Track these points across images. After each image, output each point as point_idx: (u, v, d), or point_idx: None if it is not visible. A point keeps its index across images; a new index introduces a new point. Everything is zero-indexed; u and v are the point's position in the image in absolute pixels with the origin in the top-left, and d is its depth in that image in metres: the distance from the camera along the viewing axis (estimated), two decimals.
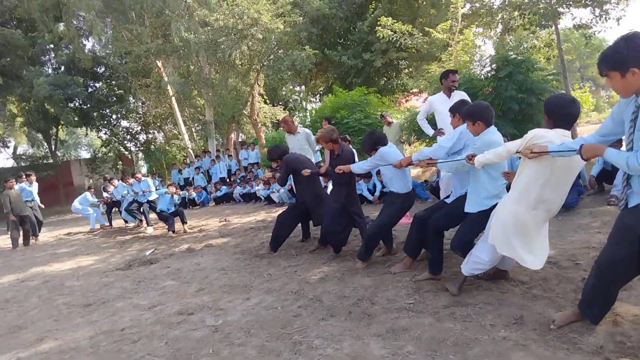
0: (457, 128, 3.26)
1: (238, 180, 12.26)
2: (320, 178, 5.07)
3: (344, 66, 15.04)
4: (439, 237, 3.21)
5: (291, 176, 5.01)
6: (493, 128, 2.96)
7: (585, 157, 2.10)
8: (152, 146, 22.28)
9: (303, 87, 18.01)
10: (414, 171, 9.15)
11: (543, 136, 2.36)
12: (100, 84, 19.68)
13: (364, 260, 3.89)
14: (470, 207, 3.01)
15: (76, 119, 17.97)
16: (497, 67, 7.93)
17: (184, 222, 7.78)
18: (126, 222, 9.56)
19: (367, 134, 3.93)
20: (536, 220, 2.51)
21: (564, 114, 2.40)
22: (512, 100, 7.32)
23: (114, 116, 20.83)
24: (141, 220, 8.70)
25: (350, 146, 10.06)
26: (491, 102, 7.52)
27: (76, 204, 10.20)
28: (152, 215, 8.58)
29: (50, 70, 18.37)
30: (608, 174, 5.03)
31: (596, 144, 2.09)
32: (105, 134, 21.20)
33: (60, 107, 15.90)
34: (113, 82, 19.40)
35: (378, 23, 12.32)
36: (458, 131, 3.22)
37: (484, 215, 2.88)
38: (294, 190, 5.42)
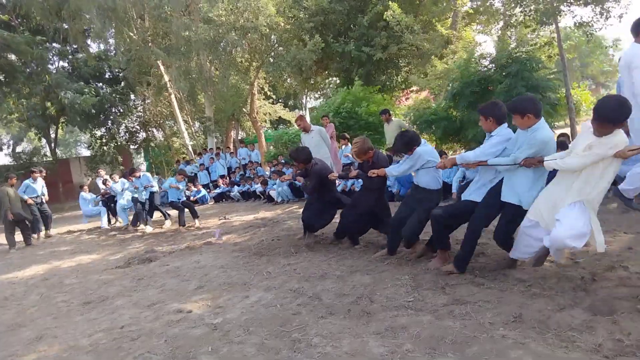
0: (498, 135, 3.19)
1: (237, 179, 12.25)
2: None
3: (344, 61, 15.07)
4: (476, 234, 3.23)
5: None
6: (543, 121, 2.95)
7: None
8: (152, 144, 22.24)
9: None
10: None
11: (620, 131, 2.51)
12: (106, 86, 19.60)
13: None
14: (512, 198, 3.05)
15: (80, 120, 17.89)
16: (503, 64, 8.03)
17: (195, 216, 7.89)
18: (115, 220, 9.57)
19: (399, 135, 3.81)
20: None
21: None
22: None
23: (112, 116, 20.76)
24: (145, 220, 8.68)
25: (349, 144, 10.11)
26: (503, 100, 7.70)
27: (83, 208, 10.00)
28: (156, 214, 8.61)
29: (52, 68, 18.30)
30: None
31: None
32: (103, 132, 21.12)
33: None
34: (116, 83, 19.34)
35: (388, 6, 12.39)
36: (499, 139, 3.18)
37: (523, 211, 3.00)
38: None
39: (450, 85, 8.82)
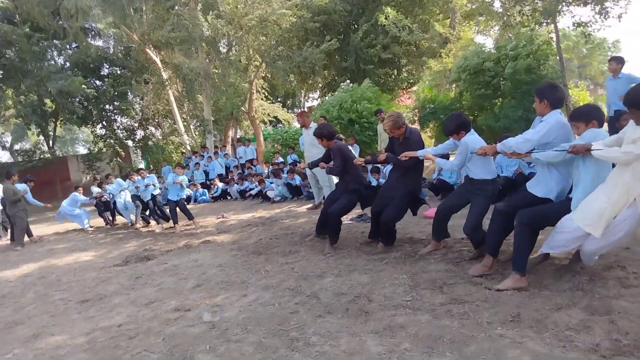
0: (546, 121, 2.92)
1: (235, 177, 12.23)
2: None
3: (349, 60, 15.15)
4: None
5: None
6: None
7: None
8: (150, 142, 22.16)
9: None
10: None
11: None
12: (104, 81, 19.51)
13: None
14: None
15: (77, 117, 17.79)
16: (512, 55, 8.29)
17: (175, 222, 7.69)
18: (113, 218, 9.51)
19: (455, 115, 3.56)
20: None
21: None
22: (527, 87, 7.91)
23: (111, 112, 20.68)
24: (148, 222, 8.65)
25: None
26: (509, 90, 7.95)
27: (64, 206, 9.38)
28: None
29: (51, 64, 18.25)
30: None
31: None
32: (101, 129, 21.03)
33: (69, 107, 15.75)
34: (113, 79, 19.27)
35: (382, 12, 12.46)
36: (547, 125, 2.89)
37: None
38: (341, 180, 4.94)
39: (461, 63, 8.95)
